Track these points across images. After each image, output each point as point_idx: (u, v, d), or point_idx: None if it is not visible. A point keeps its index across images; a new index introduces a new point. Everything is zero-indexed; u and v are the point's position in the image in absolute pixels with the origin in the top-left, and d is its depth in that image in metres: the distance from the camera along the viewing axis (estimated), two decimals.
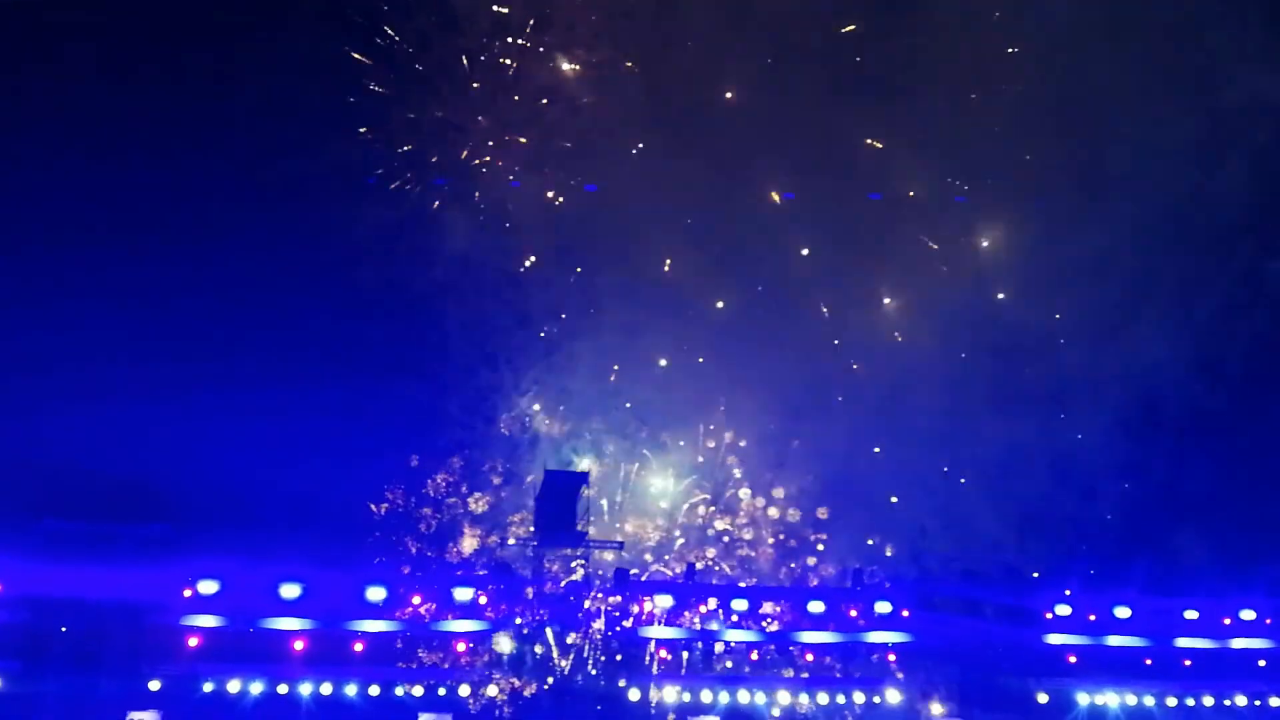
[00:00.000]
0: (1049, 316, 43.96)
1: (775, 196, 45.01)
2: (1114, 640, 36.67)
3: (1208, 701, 36.39)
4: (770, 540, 43.04)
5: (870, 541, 41.35)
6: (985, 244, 45.04)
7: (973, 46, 43.47)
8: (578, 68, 44.68)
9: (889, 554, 41.41)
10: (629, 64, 44.60)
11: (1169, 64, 40.66)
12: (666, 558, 41.38)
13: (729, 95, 44.48)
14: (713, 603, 35.87)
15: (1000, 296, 44.56)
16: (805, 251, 44.69)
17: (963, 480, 42.97)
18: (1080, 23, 42.61)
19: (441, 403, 43.48)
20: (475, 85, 44.65)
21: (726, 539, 42.98)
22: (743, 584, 39.78)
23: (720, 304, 44.35)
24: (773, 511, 43.27)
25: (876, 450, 42.50)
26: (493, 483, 42.69)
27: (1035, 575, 38.55)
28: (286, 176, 42.56)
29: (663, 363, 44.25)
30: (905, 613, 36.19)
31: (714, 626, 35.66)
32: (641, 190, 43.21)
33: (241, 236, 42.20)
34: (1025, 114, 44.23)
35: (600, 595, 36.12)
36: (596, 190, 44.66)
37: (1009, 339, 43.65)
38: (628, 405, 43.62)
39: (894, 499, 42.48)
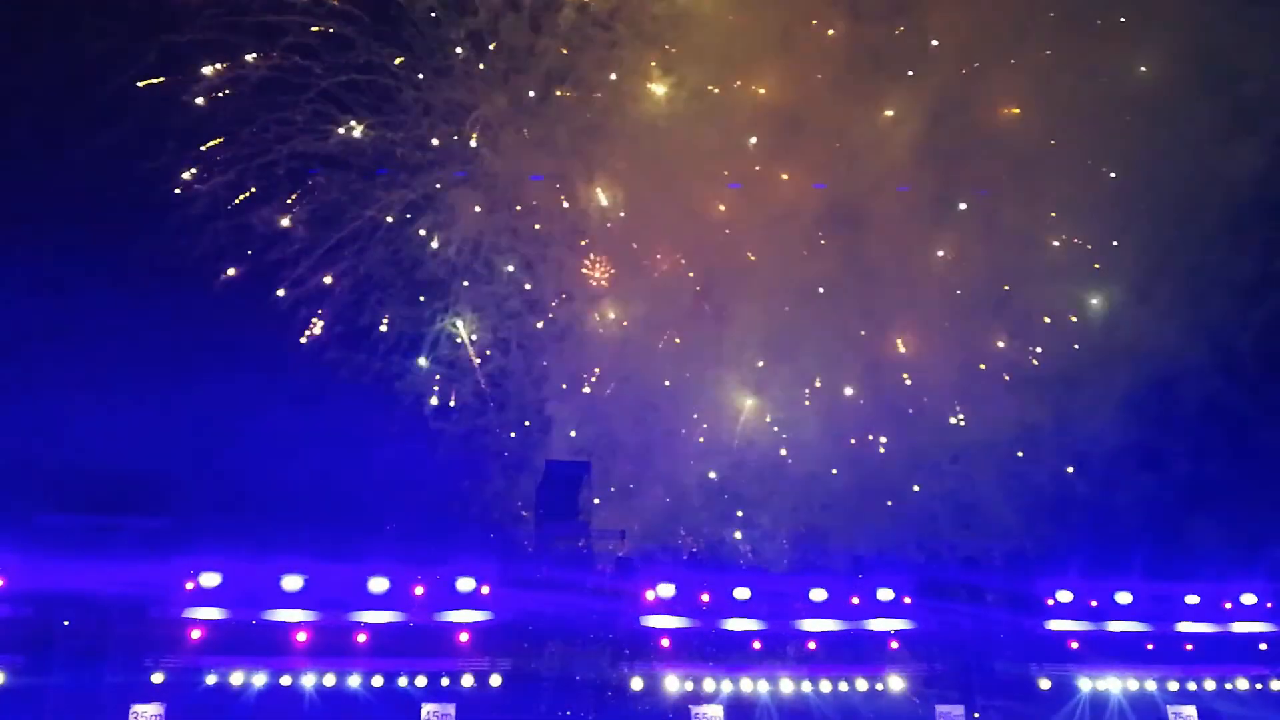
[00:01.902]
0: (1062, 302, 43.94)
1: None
2: (1115, 625, 36.66)
3: (1209, 685, 36.38)
4: (776, 526, 43.15)
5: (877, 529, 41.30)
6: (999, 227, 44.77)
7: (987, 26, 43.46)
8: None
9: (895, 540, 41.41)
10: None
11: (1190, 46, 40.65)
12: (669, 545, 41.42)
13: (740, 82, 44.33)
14: (715, 591, 35.79)
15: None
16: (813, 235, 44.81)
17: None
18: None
19: (448, 389, 43.54)
20: (481, 67, 44.60)
21: (731, 527, 43.05)
22: (745, 572, 39.73)
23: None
24: (779, 499, 43.42)
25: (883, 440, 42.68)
26: (497, 471, 42.76)
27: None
28: (288, 159, 42.61)
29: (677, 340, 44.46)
30: (907, 599, 36.16)
31: (716, 615, 35.59)
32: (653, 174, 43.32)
33: (240, 222, 42.18)
34: (1036, 95, 44.36)
35: (602, 584, 36.10)
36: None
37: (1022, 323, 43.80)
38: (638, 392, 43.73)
39: (915, 488, 42.54)
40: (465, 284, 44.43)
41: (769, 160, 45.01)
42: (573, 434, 43.11)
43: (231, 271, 42.64)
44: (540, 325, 44.82)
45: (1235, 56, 40.86)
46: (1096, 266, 44.60)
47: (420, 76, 44.04)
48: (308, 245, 43.42)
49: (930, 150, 44.07)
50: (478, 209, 44.47)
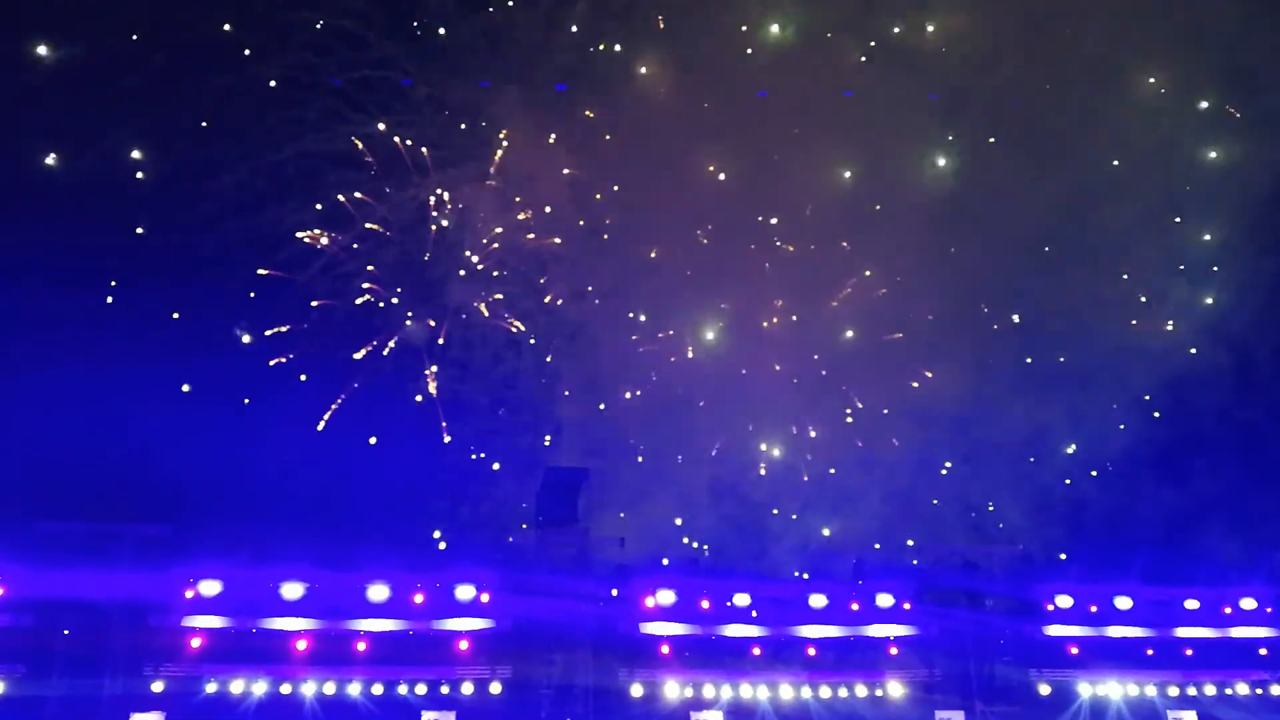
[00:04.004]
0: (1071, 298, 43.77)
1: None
2: (1115, 630, 36.69)
3: (1209, 690, 36.45)
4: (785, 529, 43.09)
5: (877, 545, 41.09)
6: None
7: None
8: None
9: (901, 543, 41.29)
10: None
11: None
12: (669, 556, 41.30)
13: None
14: (715, 597, 35.78)
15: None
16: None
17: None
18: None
19: (450, 392, 43.43)
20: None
21: (737, 531, 42.93)
22: (745, 577, 39.60)
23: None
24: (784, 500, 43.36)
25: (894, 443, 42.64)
26: (504, 477, 42.56)
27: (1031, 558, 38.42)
28: (297, 159, 42.43)
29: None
30: (906, 605, 36.18)
31: (716, 621, 35.58)
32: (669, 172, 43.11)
33: (247, 224, 42.00)
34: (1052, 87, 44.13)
35: (602, 591, 36.09)
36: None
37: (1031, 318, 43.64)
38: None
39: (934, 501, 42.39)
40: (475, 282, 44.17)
41: (787, 163, 44.77)
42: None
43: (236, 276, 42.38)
44: (552, 326, 44.54)
45: (1258, 61, 40.73)
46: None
47: (434, 74, 43.78)
48: (316, 248, 43.20)
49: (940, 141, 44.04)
50: (492, 207, 44.26)
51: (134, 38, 40.82)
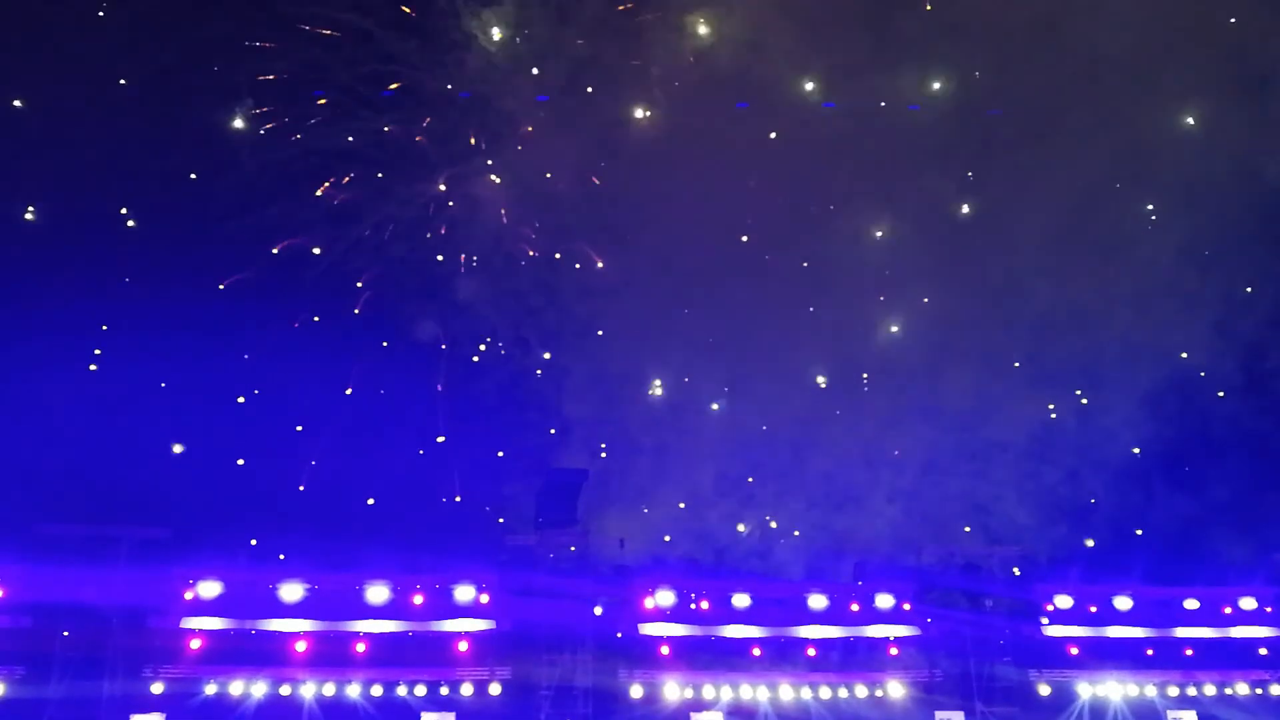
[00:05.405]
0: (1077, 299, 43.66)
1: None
2: (1115, 631, 36.63)
3: (1209, 690, 36.38)
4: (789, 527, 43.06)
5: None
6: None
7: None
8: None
9: (906, 542, 41.25)
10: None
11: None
12: (668, 554, 41.31)
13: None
14: (715, 598, 35.74)
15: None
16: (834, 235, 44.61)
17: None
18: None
19: (454, 392, 43.42)
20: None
21: (733, 532, 42.95)
22: (745, 578, 39.65)
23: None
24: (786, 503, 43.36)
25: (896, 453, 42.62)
26: (510, 476, 42.53)
27: (1016, 571, 38.20)
28: (304, 156, 42.31)
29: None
30: (906, 605, 36.14)
31: (716, 621, 35.54)
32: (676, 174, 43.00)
33: (249, 224, 41.94)
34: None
35: (601, 592, 36.05)
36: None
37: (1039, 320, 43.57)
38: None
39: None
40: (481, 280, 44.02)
41: (800, 158, 44.62)
42: (602, 447, 42.90)
43: (237, 276, 42.28)
44: (559, 325, 44.46)
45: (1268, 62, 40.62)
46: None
47: (442, 69, 43.59)
48: (321, 246, 43.08)
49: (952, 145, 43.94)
50: (498, 202, 44.11)
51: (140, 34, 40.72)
